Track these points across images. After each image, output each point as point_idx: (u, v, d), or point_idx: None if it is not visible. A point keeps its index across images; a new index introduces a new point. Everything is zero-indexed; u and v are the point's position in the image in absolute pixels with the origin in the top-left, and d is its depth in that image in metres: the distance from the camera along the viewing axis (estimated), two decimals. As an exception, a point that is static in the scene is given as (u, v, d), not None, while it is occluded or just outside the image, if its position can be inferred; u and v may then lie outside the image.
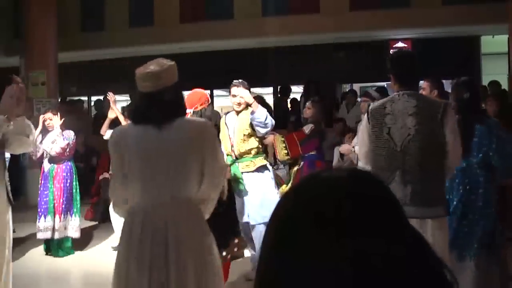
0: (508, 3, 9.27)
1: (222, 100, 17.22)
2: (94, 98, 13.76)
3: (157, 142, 2.50)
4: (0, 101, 3.35)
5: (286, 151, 5.75)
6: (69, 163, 6.29)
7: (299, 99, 11.38)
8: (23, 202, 9.22)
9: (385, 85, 12.91)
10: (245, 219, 4.97)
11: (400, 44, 12.40)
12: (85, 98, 13.64)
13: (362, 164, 3.45)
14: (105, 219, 8.19)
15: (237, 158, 5.06)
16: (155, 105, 2.54)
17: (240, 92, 5.00)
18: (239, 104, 5.07)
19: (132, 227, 2.49)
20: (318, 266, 0.69)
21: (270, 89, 13.96)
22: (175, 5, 12.35)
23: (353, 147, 5.90)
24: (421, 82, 4.69)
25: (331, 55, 12.97)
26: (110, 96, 6.21)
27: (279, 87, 12.37)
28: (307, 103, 6.33)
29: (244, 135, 5.05)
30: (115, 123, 5.95)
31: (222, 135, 5.01)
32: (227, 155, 5.03)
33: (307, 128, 5.91)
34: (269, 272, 0.76)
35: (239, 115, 5.16)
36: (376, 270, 0.68)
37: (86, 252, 6.52)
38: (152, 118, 2.53)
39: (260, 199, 4.92)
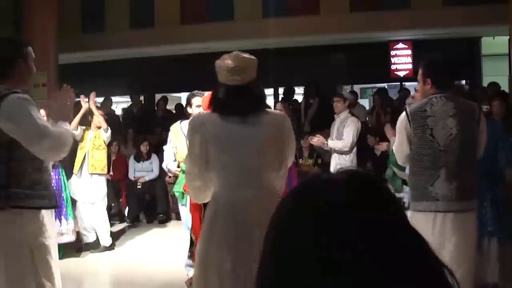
0: (509, 4, 9.28)
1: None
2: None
3: (241, 132, 2.66)
4: (56, 107, 3.20)
5: None
6: (57, 169, 6.25)
7: (299, 100, 11.38)
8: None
9: (385, 86, 12.97)
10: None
11: (400, 45, 12.41)
12: (85, 99, 13.62)
13: (401, 163, 3.71)
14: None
15: None
16: (242, 97, 2.70)
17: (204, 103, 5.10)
18: None
19: (217, 212, 2.64)
20: (317, 269, 0.69)
21: (270, 91, 13.97)
22: (175, 6, 12.35)
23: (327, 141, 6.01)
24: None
25: (331, 56, 12.97)
26: (92, 96, 6.87)
27: (282, 89, 12.36)
28: (278, 105, 6.51)
29: None
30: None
31: (178, 143, 5.02)
32: (183, 163, 5.09)
33: None
34: (268, 275, 0.75)
35: None
36: (375, 272, 0.68)
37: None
38: (239, 110, 2.69)
39: None
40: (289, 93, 11.81)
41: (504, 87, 9.72)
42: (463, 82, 12.56)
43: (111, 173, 8.51)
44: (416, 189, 3.46)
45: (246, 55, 2.78)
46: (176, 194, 5.33)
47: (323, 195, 0.75)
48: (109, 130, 6.97)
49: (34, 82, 10.01)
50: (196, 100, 5.28)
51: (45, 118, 3.35)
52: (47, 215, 3.01)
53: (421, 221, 3.31)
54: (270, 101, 11.66)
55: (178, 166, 5.28)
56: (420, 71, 3.59)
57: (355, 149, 6.26)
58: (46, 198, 2.96)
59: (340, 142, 6.25)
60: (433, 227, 3.34)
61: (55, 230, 3.34)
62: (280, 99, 12.30)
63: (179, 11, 12.33)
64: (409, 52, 12.39)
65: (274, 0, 11.62)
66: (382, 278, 0.68)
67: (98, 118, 6.92)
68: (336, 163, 6.32)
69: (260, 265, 0.78)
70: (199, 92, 5.32)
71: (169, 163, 5.32)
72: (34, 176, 2.92)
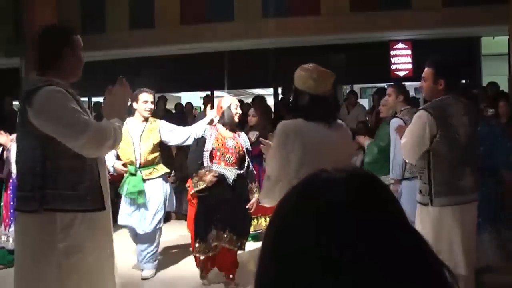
0: (508, 5, 9.28)
1: (222, 101, 17.24)
2: (95, 100, 13.76)
3: (332, 137, 2.93)
4: (109, 103, 2.89)
5: None
6: None
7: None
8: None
9: (385, 86, 12.96)
10: (143, 229, 5.27)
11: (400, 45, 12.40)
12: (85, 99, 13.63)
13: (413, 160, 3.85)
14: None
15: (141, 167, 5.19)
16: (329, 106, 3.03)
17: (151, 99, 5.31)
18: (151, 110, 5.32)
19: None
20: (317, 268, 0.69)
21: (270, 90, 13.97)
22: (175, 7, 12.35)
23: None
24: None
25: (331, 56, 12.97)
26: None
27: (280, 88, 12.37)
28: (250, 111, 6.57)
29: (153, 144, 5.23)
30: None
31: (124, 143, 5.00)
32: (129, 164, 5.19)
33: (252, 135, 6.22)
34: (268, 274, 0.76)
35: (146, 123, 5.31)
36: (374, 272, 0.68)
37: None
38: (328, 117, 2.97)
39: (157, 207, 5.26)
40: (288, 92, 11.79)
41: (504, 87, 9.72)
42: (463, 82, 12.57)
43: (111, 172, 8.47)
44: (443, 185, 3.59)
45: (322, 67, 3.12)
46: (129, 196, 5.27)
47: (323, 194, 0.75)
48: None
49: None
50: (143, 96, 5.35)
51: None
52: (91, 221, 2.71)
53: (450, 215, 3.56)
54: (270, 101, 11.66)
55: (125, 166, 5.29)
56: (430, 71, 3.71)
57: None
58: (88, 200, 2.68)
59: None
60: (462, 217, 3.59)
61: (106, 240, 2.88)
62: (279, 98, 12.32)
63: (179, 11, 12.33)
64: (409, 52, 12.38)
65: (274, 1, 11.63)
66: (382, 277, 0.68)
67: None
68: None
69: (259, 264, 0.78)
70: (147, 89, 5.43)
71: (115, 162, 5.27)
72: (73, 176, 2.66)
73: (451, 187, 3.59)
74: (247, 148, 5.02)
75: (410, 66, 12.35)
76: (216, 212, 4.77)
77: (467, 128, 3.66)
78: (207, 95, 12.38)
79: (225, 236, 4.75)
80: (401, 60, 12.44)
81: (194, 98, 13.76)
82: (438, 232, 3.52)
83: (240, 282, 5.03)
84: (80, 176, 2.68)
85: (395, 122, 4.81)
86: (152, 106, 5.36)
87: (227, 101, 5.00)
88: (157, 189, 5.32)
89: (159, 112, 11.41)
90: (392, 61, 12.47)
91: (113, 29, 12.53)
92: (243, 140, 5.04)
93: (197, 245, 4.78)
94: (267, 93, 13.82)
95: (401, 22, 11.10)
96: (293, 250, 0.72)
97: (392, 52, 12.46)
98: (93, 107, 13.18)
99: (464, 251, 3.55)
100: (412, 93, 11.63)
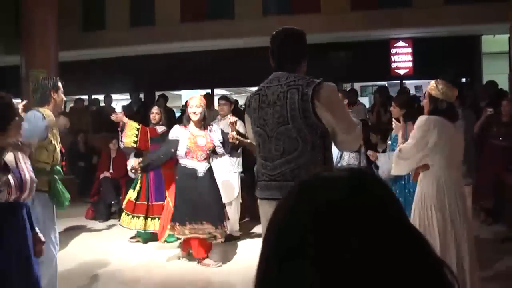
0: (509, 3, 9.27)
1: (222, 99, 17.20)
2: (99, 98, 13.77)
3: (454, 132, 3.84)
4: None
5: (136, 139, 6.14)
6: None
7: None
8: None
9: (386, 84, 12.97)
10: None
11: (401, 43, 12.40)
12: (85, 97, 13.64)
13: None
14: (105, 218, 8.21)
15: None
16: (455, 110, 3.95)
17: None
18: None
19: (440, 186, 3.77)
20: (315, 267, 0.69)
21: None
22: (176, 4, 12.35)
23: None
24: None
25: (331, 54, 12.96)
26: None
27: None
28: (154, 110, 6.75)
29: None
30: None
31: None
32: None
33: (160, 128, 6.54)
34: (268, 272, 0.75)
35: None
36: (375, 272, 0.68)
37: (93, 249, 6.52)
38: (455, 118, 3.87)
39: None
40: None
41: (504, 85, 9.71)
42: (463, 80, 12.57)
43: (111, 170, 8.50)
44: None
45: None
46: None
47: (323, 194, 0.75)
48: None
49: (34, 79, 10.04)
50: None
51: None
52: None
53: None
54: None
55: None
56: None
57: (363, 149, 6.24)
58: None
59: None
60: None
61: None
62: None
63: (180, 9, 12.33)
64: (409, 50, 12.38)
65: (275, -1, 11.64)
66: (381, 278, 0.68)
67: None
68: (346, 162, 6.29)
69: (259, 263, 0.78)
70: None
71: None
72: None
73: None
74: (223, 140, 5.46)
75: (410, 64, 12.34)
76: (189, 204, 5.32)
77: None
78: (207, 93, 12.37)
79: (200, 225, 5.32)
80: (402, 58, 12.44)
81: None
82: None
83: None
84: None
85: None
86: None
87: (190, 101, 5.56)
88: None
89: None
90: (393, 59, 12.47)
91: (113, 26, 12.53)
92: (215, 134, 5.49)
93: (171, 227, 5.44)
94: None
95: (402, 20, 11.10)
96: (292, 249, 0.72)
97: (393, 50, 12.46)
98: (89, 103, 13.19)
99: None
100: (412, 91, 11.63)
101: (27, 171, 3.04)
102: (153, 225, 6.40)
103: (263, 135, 2.98)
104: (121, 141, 6.27)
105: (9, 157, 2.99)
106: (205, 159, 5.46)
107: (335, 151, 3.44)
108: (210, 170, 5.54)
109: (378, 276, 0.68)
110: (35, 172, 3.23)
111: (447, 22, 10.78)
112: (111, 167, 8.53)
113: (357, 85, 13.70)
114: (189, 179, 5.36)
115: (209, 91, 13.19)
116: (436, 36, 11.80)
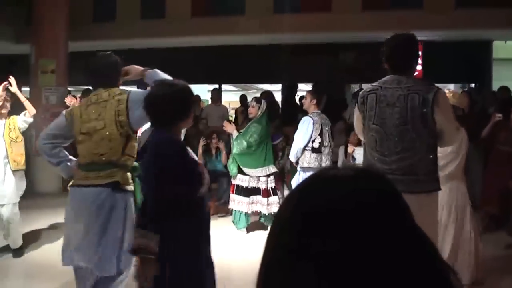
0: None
1: (230, 95, 17.25)
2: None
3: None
4: None
5: None
6: None
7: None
8: (29, 189, 9.25)
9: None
10: None
11: (411, 46, 12.34)
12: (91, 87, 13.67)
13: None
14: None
15: None
16: None
17: None
18: None
19: None
20: (321, 270, 0.68)
21: (278, 86, 13.96)
22: (187, -2, 12.36)
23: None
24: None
25: (341, 54, 12.93)
26: (12, 80, 5.82)
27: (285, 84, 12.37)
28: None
29: None
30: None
31: None
32: None
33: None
34: (272, 277, 0.75)
35: None
36: (378, 273, 0.67)
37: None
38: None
39: None
40: (292, 89, 11.79)
41: (515, 92, 9.65)
42: (473, 85, 12.52)
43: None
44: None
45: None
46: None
47: (328, 194, 0.74)
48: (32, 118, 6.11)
49: (43, 68, 10.09)
50: None
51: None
52: None
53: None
54: (278, 96, 11.66)
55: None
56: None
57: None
58: None
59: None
60: None
61: None
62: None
63: (190, 3, 12.33)
64: (419, 53, 12.32)
65: (286, -4, 11.61)
66: (388, 280, 0.67)
67: (26, 103, 6.02)
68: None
69: (263, 260, 0.77)
70: None
71: None
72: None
73: None
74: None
75: (420, 67, 12.29)
76: None
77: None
78: (214, 89, 12.38)
79: None
80: (411, 61, 12.37)
81: (202, 91, 13.77)
82: None
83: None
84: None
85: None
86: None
87: None
88: None
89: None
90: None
91: (124, 18, 12.54)
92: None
93: None
94: (275, 89, 13.81)
95: (412, 23, 11.04)
96: (295, 250, 0.71)
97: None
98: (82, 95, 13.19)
99: None
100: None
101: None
102: None
103: (380, 132, 3.31)
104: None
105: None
106: None
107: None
108: None
109: (384, 278, 0.67)
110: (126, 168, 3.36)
111: (459, 26, 10.72)
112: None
113: (365, 86, 13.66)
114: None
115: (217, 86, 13.20)
116: (447, 40, 11.74)
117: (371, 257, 0.68)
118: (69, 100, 6.09)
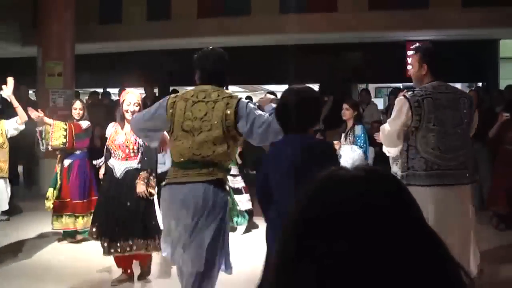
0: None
1: (236, 96, 17.20)
2: (112, 91, 13.82)
3: None
4: None
5: (65, 140, 5.91)
6: None
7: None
8: (35, 191, 9.29)
9: (401, 86, 12.89)
10: None
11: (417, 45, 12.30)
12: (100, 90, 13.72)
13: None
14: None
15: None
16: None
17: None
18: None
19: None
20: (331, 270, 0.68)
21: (285, 87, 13.93)
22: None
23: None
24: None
25: (347, 54, 12.91)
26: (10, 82, 5.60)
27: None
28: (77, 105, 6.46)
29: None
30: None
31: None
32: None
33: (84, 124, 6.21)
34: (278, 276, 0.74)
35: None
36: (393, 272, 0.67)
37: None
38: None
39: None
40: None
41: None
42: (480, 84, 12.45)
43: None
44: None
45: None
46: None
47: (339, 194, 0.74)
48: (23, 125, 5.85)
49: (50, 71, 10.12)
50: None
51: None
52: None
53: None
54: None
55: None
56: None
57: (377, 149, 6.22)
58: None
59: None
60: None
61: None
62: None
63: (196, 4, 12.34)
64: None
65: (292, -4, 11.60)
66: (400, 279, 0.67)
67: (18, 109, 5.74)
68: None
69: (269, 260, 0.77)
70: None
71: None
72: None
73: None
74: None
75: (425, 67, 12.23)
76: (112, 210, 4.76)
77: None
78: (221, 89, 12.37)
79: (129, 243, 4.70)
80: (418, 60, 12.33)
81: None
82: None
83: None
84: None
85: None
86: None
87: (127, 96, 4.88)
88: None
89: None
90: (409, 61, 12.37)
91: (130, 20, 12.57)
92: None
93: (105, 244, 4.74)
94: (282, 90, 13.81)
95: (419, 22, 11.01)
96: (308, 248, 0.71)
97: (409, 52, 12.36)
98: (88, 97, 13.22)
99: None
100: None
101: None
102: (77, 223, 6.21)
103: (441, 132, 3.65)
104: (45, 145, 5.91)
105: None
106: (125, 158, 4.80)
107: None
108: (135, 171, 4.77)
109: (395, 277, 0.67)
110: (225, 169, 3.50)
111: (465, 25, 10.67)
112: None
113: (372, 86, 13.63)
114: (110, 177, 4.84)
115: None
116: (453, 39, 11.69)
117: (380, 258, 0.67)
118: (34, 115, 5.75)
